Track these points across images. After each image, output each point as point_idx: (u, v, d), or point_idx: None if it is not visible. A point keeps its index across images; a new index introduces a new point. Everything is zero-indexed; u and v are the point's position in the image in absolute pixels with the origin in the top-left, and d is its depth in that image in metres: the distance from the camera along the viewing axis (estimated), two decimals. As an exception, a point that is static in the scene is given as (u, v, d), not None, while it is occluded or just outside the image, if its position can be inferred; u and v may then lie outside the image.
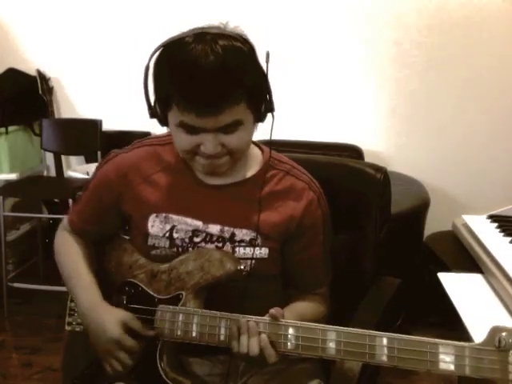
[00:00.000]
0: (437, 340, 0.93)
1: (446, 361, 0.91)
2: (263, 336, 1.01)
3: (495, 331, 0.89)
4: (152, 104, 1.12)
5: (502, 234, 1.57)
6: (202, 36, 1.03)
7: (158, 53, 1.07)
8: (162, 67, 1.06)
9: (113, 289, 1.22)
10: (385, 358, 0.94)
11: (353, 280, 1.37)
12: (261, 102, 1.10)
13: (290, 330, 1.01)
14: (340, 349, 0.97)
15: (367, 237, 1.40)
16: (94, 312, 1.17)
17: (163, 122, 1.12)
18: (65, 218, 1.34)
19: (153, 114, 1.12)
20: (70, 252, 1.28)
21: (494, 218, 1.70)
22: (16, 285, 2.92)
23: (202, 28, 1.05)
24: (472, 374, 0.90)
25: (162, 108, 1.10)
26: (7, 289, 2.88)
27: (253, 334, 1.02)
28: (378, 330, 0.97)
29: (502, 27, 2.89)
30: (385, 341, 0.95)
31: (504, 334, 0.88)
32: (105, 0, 3.26)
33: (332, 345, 0.98)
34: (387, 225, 1.44)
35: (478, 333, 0.93)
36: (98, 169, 1.28)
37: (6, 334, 2.71)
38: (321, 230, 1.23)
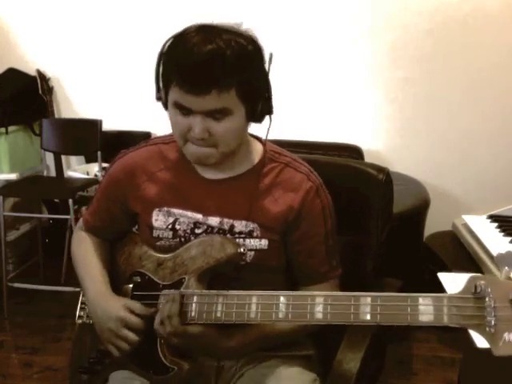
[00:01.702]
0: (417, 294, 0.93)
1: (426, 312, 0.91)
2: (175, 305, 1.08)
3: (473, 280, 0.89)
4: (159, 89, 1.16)
5: (502, 233, 1.57)
6: (208, 28, 1.08)
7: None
8: (169, 52, 1.10)
9: (124, 280, 1.27)
10: (368, 317, 0.95)
11: (353, 281, 1.36)
12: (256, 101, 1.12)
13: (282, 299, 1.03)
14: (326, 312, 0.99)
15: (369, 238, 1.40)
16: (101, 299, 1.22)
17: (166, 105, 1.16)
18: (81, 219, 1.42)
19: (159, 97, 1.16)
20: (82, 246, 1.35)
21: (494, 217, 1.70)
22: (16, 285, 2.91)
23: (211, 24, 1.10)
24: (449, 323, 0.90)
25: (165, 90, 1.14)
26: (7, 289, 2.87)
27: (171, 300, 1.09)
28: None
29: (501, 27, 2.89)
30: (369, 299, 0.96)
31: (481, 281, 0.87)
32: (105, 0, 3.26)
33: (319, 309, 1.00)
34: (389, 225, 1.43)
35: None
36: (108, 168, 1.35)
37: (5, 334, 2.71)
38: (321, 221, 1.22)
